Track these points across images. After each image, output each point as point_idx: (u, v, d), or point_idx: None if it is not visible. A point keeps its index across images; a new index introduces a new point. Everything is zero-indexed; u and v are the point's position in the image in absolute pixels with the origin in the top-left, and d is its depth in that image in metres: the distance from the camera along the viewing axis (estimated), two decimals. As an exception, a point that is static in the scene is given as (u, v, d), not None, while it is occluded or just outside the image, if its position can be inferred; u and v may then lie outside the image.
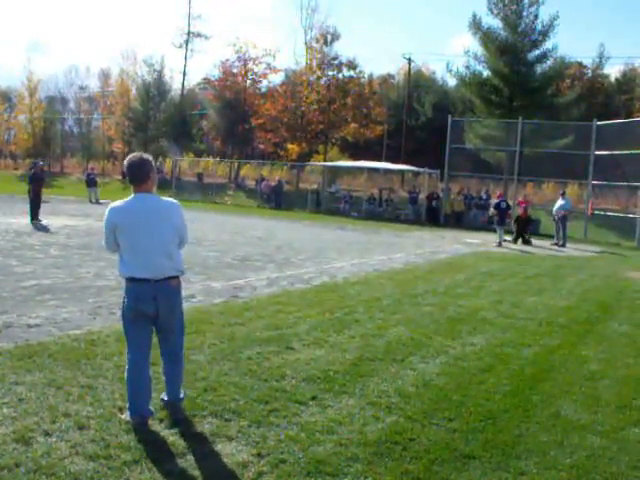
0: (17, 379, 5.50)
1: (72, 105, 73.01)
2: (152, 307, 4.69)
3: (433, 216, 31.24)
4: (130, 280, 4.72)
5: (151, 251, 4.68)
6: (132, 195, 4.81)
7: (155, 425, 4.74)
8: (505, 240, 22.11)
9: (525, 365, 6.89)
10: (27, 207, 20.78)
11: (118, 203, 4.81)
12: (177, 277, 4.86)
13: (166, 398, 5.02)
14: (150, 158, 4.94)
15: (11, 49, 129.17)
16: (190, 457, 4.26)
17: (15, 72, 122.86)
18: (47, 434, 4.46)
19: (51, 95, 67.83)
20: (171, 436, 4.57)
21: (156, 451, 4.31)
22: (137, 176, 4.78)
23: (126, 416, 4.78)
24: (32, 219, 20.32)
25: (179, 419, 4.85)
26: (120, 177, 51.81)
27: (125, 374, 4.88)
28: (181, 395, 5.06)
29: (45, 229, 18.82)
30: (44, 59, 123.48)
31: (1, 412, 4.79)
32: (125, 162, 4.84)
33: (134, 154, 4.93)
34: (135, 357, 4.82)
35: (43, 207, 21.32)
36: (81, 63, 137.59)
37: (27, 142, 62.84)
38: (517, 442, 4.81)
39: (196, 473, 4.07)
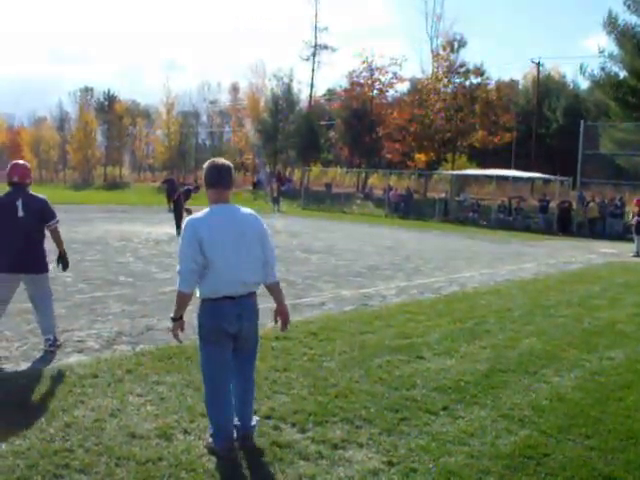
0: (158, 379, 5.82)
1: (204, 119, 76.17)
2: (236, 326, 4.34)
3: (565, 225, 30.10)
4: (213, 299, 4.34)
5: (239, 266, 4.28)
6: (213, 205, 4.39)
7: (287, 429, 4.84)
8: None
9: (670, 382, 6.52)
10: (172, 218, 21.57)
11: (199, 215, 4.36)
12: (255, 292, 4.51)
13: (237, 422, 4.56)
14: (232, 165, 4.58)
15: (149, 69, 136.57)
16: (322, 462, 4.33)
17: (153, 90, 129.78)
18: (186, 432, 4.69)
19: (185, 110, 70.94)
20: (303, 440, 4.65)
21: (288, 454, 4.40)
22: (223, 181, 4.38)
23: (209, 442, 4.45)
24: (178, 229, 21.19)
25: (247, 446, 4.48)
26: (251, 187, 53.41)
27: (206, 400, 4.58)
28: (253, 422, 4.63)
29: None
30: (180, 77, 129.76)
31: (145, 409, 5.09)
32: (207, 164, 4.44)
33: (216, 158, 4.55)
34: (218, 382, 4.43)
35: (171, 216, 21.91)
36: (213, 79, 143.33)
37: (164, 155, 66.03)
38: (662, 463, 4.56)
39: (327, 478, 4.12)
